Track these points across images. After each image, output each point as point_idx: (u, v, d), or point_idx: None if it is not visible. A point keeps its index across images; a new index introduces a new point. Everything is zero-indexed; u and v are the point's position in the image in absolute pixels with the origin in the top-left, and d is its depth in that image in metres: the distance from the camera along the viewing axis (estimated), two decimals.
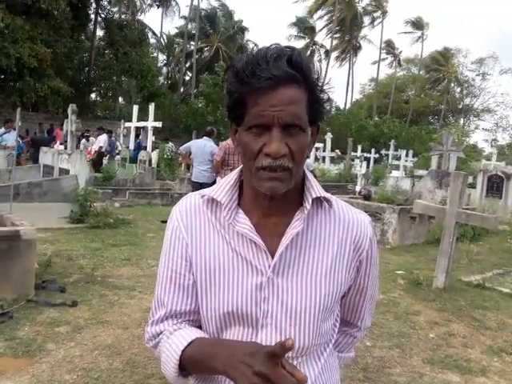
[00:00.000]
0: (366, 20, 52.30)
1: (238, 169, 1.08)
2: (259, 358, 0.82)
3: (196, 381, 1.12)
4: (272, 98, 0.91)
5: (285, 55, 0.92)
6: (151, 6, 42.29)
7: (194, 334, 1.03)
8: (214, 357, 0.93)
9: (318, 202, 1.07)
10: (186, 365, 1.00)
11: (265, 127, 0.93)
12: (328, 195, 1.07)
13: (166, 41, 47.96)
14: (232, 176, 1.08)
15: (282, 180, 0.95)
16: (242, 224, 1.02)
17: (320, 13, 51.28)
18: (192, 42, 44.32)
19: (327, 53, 51.13)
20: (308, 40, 52.89)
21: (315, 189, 1.04)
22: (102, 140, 15.66)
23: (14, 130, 11.94)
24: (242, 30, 48.71)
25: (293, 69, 0.92)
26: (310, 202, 1.02)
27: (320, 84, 0.98)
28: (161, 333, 1.08)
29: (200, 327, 1.10)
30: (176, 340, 1.02)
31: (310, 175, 1.06)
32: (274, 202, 1.02)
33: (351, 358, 1.34)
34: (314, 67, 0.98)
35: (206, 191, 1.08)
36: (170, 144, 18.17)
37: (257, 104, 0.92)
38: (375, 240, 1.15)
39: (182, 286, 1.07)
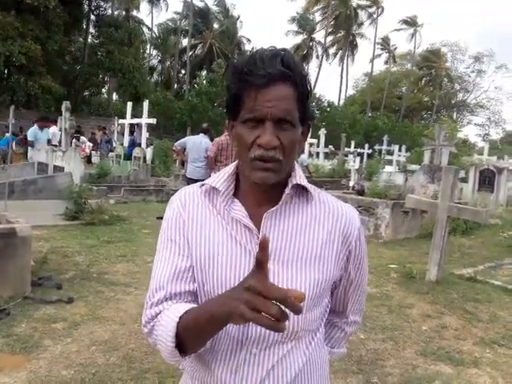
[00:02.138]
0: (363, 16, 52.39)
1: (236, 161, 1.14)
2: (247, 277, 0.85)
3: (191, 370, 1.15)
4: (266, 94, 0.99)
5: (279, 55, 1.01)
6: None
7: (192, 305, 1.04)
8: (212, 303, 0.94)
9: (306, 192, 1.13)
10: (183, 330, 0.98)
11: (259, 121, 1.01)
12: (310, 186, 1.13)
13: (160, 36, 47.65)
14: (230, 167, 1.15)
15: (273, 171, 1.02)
16: (237, 211, 1.09)
17: (316, 8, 51.35)
18: (186, 39, 44.13)
19: (324, 49, 51.12)
20: (306, 36, 52.87)
21: (297, 177, 1.11)
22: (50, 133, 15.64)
23: (48, 128, 11.87)
24: (237, 26, 48.54)
25: (286, 68, 1.00)
26: (290, 187, 1.09)
27: (309, 84, 1.06)
28: (160, 312, 1.07)
29: None
30: (173, 310, 1.03)
31: (298, 168, 1.13)
32: (266, 193, 1.09)
33: (343, 353, 1.37)
34: (304, 68, 1.06)
35: (205, 181, 1.15)
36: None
37: (252, 99, 1.00)
38: (363, 232, 1.20)
39: (181, 267, 1.10)
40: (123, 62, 31.18)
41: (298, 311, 0.78)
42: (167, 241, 1.13)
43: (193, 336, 0.99)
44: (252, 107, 1.00)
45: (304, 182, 1.12)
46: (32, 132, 11.32)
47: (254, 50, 1.05)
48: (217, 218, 1.11)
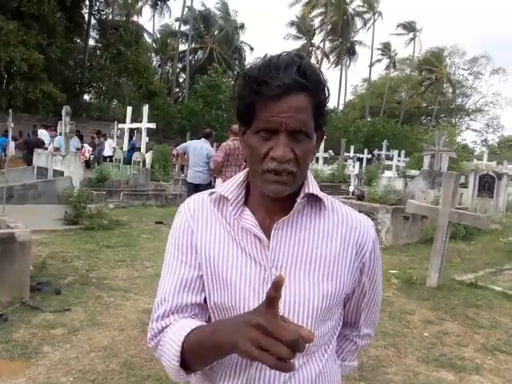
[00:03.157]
0: (359, 22, 52.61)
1: (246, 170, 1.11)
2: (257, 312, 0.80)
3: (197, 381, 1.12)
4: (281, 104, 0.95)
5: (295, 64, 0.96)
6: (145, 2, 42.19)
7: (197, 323, 1.01)
8: (218, 331, 0.90)
9: (319, 202, 1.09)
10: (188, 351, 0.96)
11: (272, 132, 0.97)
12: (323, 195, 1.09)
13: (160, 41, 47.72)
14: (240, 176, 1.11)
15: (285, 183, 0.99)
16: (247, 220, 1.05)
17: (314, 14, 51.64)
18: (186, 43, 44.22)
19: (322, 54, 51.27)
20: (305, 41, 53.04)
21: (310, 186, 1.07)
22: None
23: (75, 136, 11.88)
24: (238, 31, 48.57)
25: (302, 77, 0.96)
26: (301, 196, 1.05)
27: (326, 92, 1.02)
28: (166, 327, 1.05)
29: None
30: (179, 327, 1.00)
31: (310, 176, 1.10)
32: (277, 202, 1.05)
33: (354, 367, 1.34)
34: (322, 76, 1.01)
35: (214, 190, 1.13)
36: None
37: (266, 110, 0.96)
38: (378, 244, 1.16)
39: (188, 277, 1.07)
40: (136, 61, 31.14)
41: (302, 350, 0.76)
42: (175, 250, 1.10)
43: (198, 358, 0.96)
44: (266, 118, 0.97)
45: (317, 191, 1.08)
46: (60, 139, 11.42)
47: (268, 57, 0.99)
48: (225, 227, 1.08)
